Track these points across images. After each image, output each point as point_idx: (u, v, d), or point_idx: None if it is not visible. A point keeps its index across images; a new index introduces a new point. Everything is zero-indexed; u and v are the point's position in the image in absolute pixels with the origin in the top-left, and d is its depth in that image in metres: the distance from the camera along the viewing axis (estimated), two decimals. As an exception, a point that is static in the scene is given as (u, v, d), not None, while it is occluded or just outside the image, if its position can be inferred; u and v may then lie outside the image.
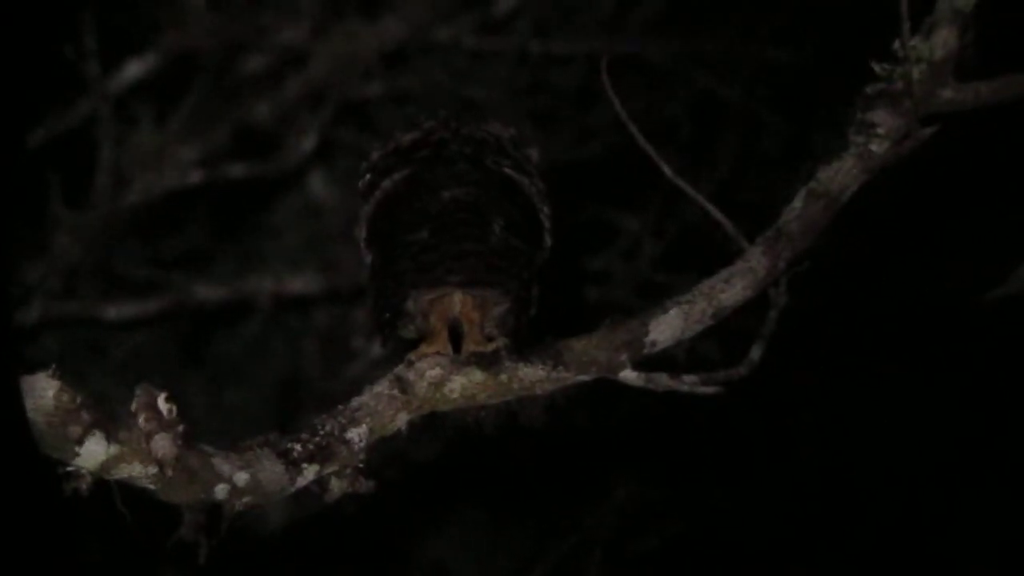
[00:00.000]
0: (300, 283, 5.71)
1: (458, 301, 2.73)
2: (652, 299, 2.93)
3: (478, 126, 2.89)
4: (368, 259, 2.82)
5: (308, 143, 5.64)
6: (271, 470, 2.51)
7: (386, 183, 2.81)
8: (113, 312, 5.55)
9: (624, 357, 2.83)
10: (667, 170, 2.96)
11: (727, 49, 4.67)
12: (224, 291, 5.69)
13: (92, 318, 5.53)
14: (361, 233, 2.84)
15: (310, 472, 2.56)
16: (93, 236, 5.38)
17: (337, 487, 2.60)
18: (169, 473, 2.37)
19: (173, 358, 5.65)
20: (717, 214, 2.93)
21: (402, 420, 2.69)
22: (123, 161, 5.44)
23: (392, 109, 5.67)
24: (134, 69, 5.44)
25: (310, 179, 5.90)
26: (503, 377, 2.75)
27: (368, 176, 2.86)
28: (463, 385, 2.73)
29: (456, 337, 2.72)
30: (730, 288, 2.88)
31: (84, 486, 2.31)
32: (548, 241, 2.87)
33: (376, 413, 2.66)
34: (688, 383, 2.88)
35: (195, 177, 5.54)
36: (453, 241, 2.69)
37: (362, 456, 2.62)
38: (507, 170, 2.83)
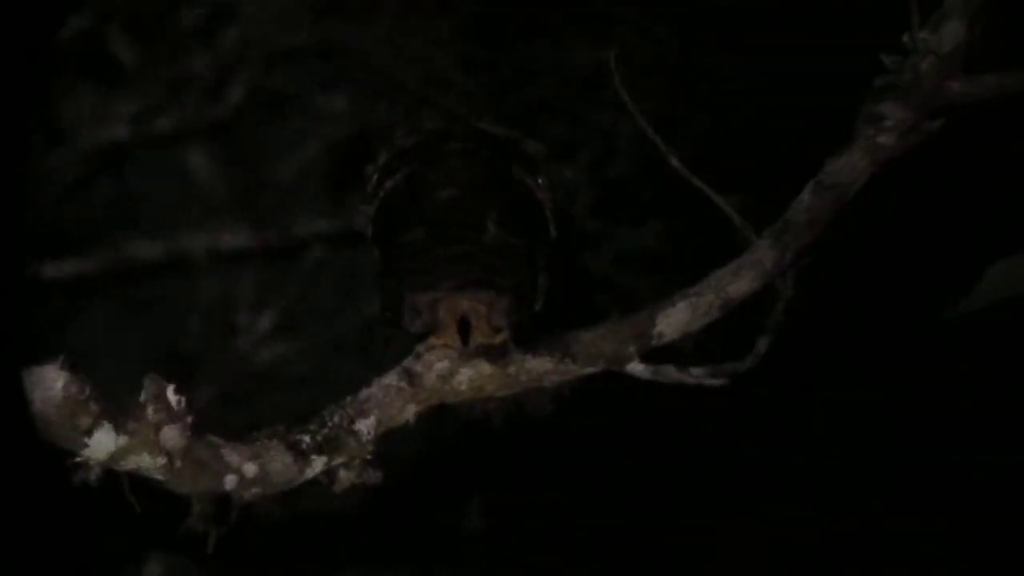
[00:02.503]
0: (232, 238, 5.67)
1: (465, 296, 2.75)
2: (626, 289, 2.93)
3: (479, 122, 2.91)
4: (375, 257, 2.84)
5: (237, 95, 5.59)
6: (280, 461, 2.53)
7: (388, 183, 2.83)
8: (49, 271, 5.49)
9: (631, 349, 2.84)
10: (675, 162, 2.97)
11: (732, 38, 4.67)
12: (158, 248, 5.65)
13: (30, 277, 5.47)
14: (367, 232, 2.86)
15: (319, 463, 2.58)
16: (28, 194, 5.32)
17: (345, 478, 2.61)
18: (178, 464, 2.38)
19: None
20: (724, 206, 2.94)
21: (410, 412, 2.70)
22: (57, 118, 5.40)
23: (323, 61, 5.63)
24: (68, 25, 5.37)
25: (240, 132, 5.83)
26: (511, 369, 2.77)
27: (374, 176, 2.88)
28: (471, 377, 2.75)
29: (464, 330, 2.73)
30: (738, 280, 2.88)
31: (93, 477, 2.34)
32: (553, 233, 2.88)
33: (384, 405, 2.67)
34: (695, 375, 2.89)
35: (125, 132, 5.49)
36: (447, 243, 2.71)
37: (370, 448, 2.64)
38: (507, 166, 2.84)
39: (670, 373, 2.88)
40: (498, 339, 2.76)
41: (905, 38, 2.90)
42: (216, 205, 5.80)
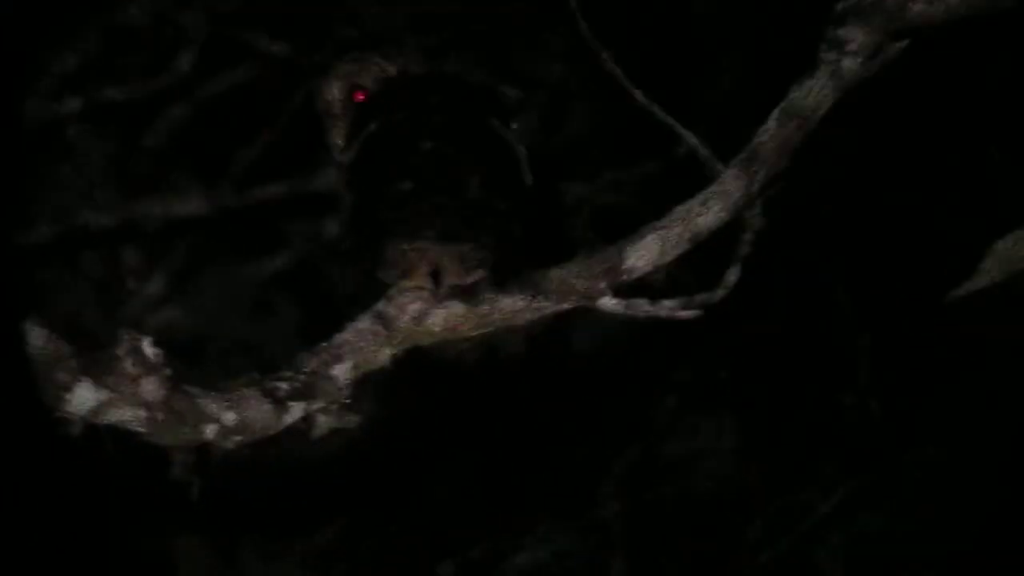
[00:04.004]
0: (187, 206, 5.63)
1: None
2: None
3: (458, 70, 2.90)
4: (347, 204, 2.82)
5: (185, 60, 5.50)
6: (258, 409, 2.53)
7: (367, 130, 2.81)
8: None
9: (603, 284, 2.84)
10: (638, 95, 2.96)
11: None
12: (112, 217, 5.59)
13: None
14: (341, 178, 2.84)
15: (297, 410, 2.58)
16: None
17: (324, 423, 2.63)
18: (158, 416, 2.39)
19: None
20: (690, 137, 2.93)
21: (385, 355, 2.70)
22: None
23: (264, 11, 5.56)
24: None
25: (192, 94, 5.74)
26: (483, 308, 2.77)
27: (350, 125, 2.86)
28: (444, 318, 2.75)
29: (436, 271, 2.73)
30: (706, 212, 2.88)
31: (76, 431, 2.34)
32: (528, 183, 2.86)
33: (359, 349, 2.67)
34: (667, 308, 2.89)
35: (73, 103, 5.41)
36: (431, 195, 2.68)
37: (347, 392, 2.65)
38: (487, 119, 2.83)
39: (642, 307, 2.88)
40: (469, 279, 2.76)
41: (866, -39, 2.89)
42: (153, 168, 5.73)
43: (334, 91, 2.94)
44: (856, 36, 2.90)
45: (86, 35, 5.42)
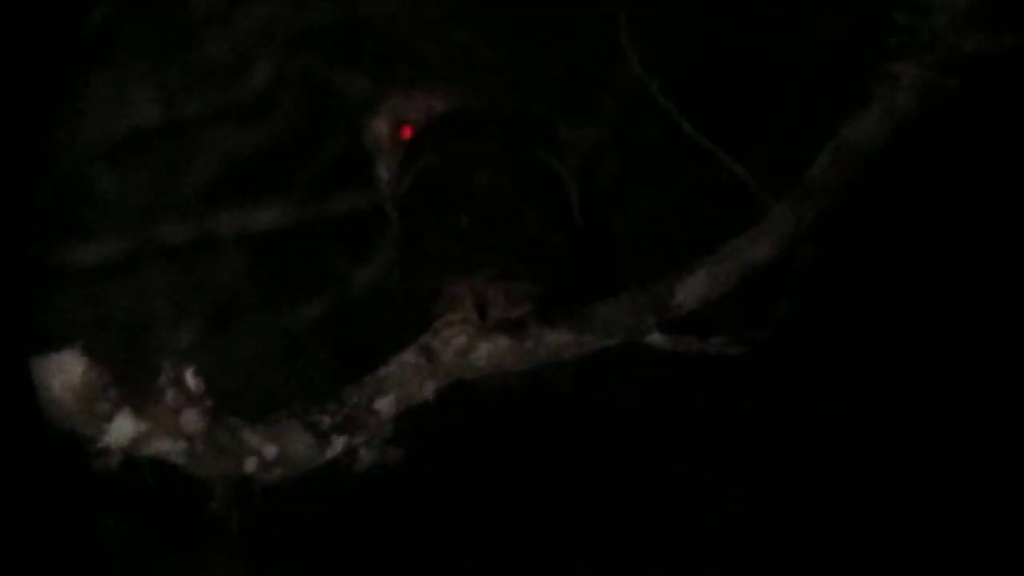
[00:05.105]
0: (267, 217, 5.63)
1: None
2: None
3: (515, 104, 2.89)
4: (398, 235, 2.79)
5: (260, 76, 5.53)
6: (300, 442, 2.51)
7: (423, 160, 2.78)
8: (80, 257, 5.43)
9: (651, 320, 2.81)
10: (688, 127, 2.94)
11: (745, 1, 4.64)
12: (190, 230, 5.60)
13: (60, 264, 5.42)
14: (393, 208, 2.82)
15: (339, 443, 2.56)
16: (56, 179, 5.27)
17: (366, 458, 2.60)
18: (199, 448, 2.37)
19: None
20: (740, 171, 2.91)
21: (429, 389, 2.68)
22: (80, 105, 5.35)
23: (346, 36, 5.58)
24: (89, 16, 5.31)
25: (269, 113, 5.76)
26: (529, 343, 2.74)
27: (403, 153, 2.84)
28: (489, 352, 2.72)
29: (481, 303, 2.70)
30: (756, 247, 2.86)
31: (114, 463, 2.33)
32: (579, 218, 2.83)
33: (403, 383, 2.65)
34: (715, 345, 2.86)
35: (153, 117, 5.45)
36: (488, 230, 2.65)
37: (390, 426, 2.62)
38: (543, 155, 2.80)
39: (690, 343, 2.85)
40: (515, 313, 2.73)
41: (919, -5, 2.87)
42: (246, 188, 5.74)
43: (381, 126, 2.93)
44: (908, 72, 2.87)
45: (166, 68, 5.49)
